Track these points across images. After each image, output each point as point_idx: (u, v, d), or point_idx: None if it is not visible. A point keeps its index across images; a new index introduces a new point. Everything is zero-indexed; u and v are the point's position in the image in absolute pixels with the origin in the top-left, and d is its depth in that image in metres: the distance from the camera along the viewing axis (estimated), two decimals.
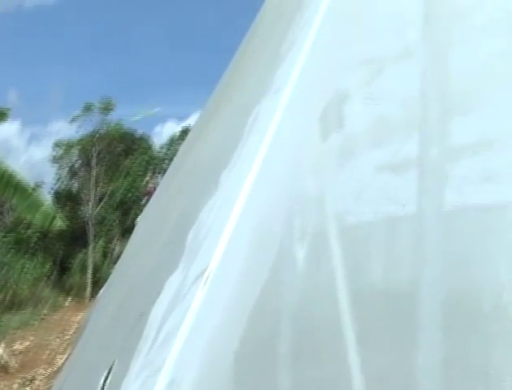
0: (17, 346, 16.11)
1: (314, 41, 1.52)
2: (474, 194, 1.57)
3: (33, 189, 16.80)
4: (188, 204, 1.67)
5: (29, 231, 24.12)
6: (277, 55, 1.58)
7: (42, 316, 19.77)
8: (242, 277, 1.23)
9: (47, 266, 24.14)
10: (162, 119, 62.47)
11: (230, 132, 1.62)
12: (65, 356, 14.37)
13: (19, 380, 14.02)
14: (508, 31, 1.59)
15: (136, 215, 23.59)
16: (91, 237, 25.61)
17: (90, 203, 25.78)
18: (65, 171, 27.94)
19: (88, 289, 24.13)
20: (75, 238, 25.88)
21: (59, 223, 16.80)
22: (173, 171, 2.52)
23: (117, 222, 27.12)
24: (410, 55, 1.63)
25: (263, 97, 1.47)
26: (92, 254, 25.40)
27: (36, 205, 15.75)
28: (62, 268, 25.53)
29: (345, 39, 1.63)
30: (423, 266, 1.43)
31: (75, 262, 25.79)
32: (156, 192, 2.78)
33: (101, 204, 26.24)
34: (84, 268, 25.21)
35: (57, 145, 27.43)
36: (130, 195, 27.28)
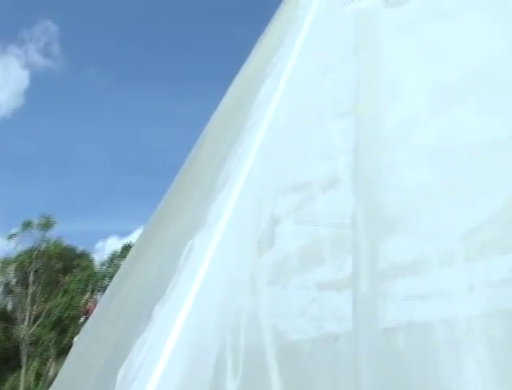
0: None
1: (250, 171, 1.58)
2: (413, 312, 1.60)
3: None
4: (121, 336, 1.63)
5: None
6: (213, 187, 1.63)
7: None
8: None
9: None
10: (105, 235, 61.81)
11: (165, 263, 1.63)
12: None
13: None
14: (431, 162, 1.69)
15: (74, 335, 22.68)
16: (24, 358, 24.33)
17: (25, 322, 24.72)
18: (0, 289, 26.96)
19: None
20: (7, 359, 24.55)
21: None
22: (111, 293, 2.47)
23: (53, 342, 25.98)
24: (340, 181, 1.71)
25: (199, 229, 1.50)
26: (24, 377, 24.03)
27: None
28: None
29: (279, 166, 1.70)
30: (363, 385, 1.42)
31: (6, 386, 24.30)
32: (94, 313, 2.69)
33: (37, 323, 25.20)
34: None
35: None
36: (68, 314, 26.36)
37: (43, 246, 26.11)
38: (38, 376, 25.24)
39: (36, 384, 24.66)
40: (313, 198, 1.69)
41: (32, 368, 25.11)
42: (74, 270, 27.89)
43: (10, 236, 26.10)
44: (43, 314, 25.49)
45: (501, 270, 1.47)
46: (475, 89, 1.80)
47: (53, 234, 26.64)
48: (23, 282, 25.66)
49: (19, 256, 26.06)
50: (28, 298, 24.89)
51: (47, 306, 25.65)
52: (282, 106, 1.76)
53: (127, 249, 26.25)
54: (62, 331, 26.14)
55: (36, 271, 25.41)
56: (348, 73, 1.93)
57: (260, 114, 1.75)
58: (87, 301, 25.21)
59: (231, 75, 2.40)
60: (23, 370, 24.12)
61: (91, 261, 29.97)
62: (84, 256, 29.61)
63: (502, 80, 1.76)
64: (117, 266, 23.72)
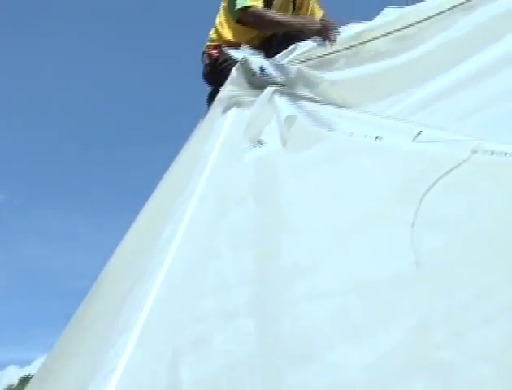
0: None
1: (148, 315, 1.57)
2: None
3: None
4: None
5: None
6: (110, 334, 1.60)
7: None
8: None
9: None
10: (3, 365, 57.76)
11: None
12: None
13: None
14: (330, 294, 1.72)
15: None
16: None
17: None
18: None
19: None
20: None
21: None
22: None
23: None
24: (240, 313, 1.70)
25: (94, 379, 1.46)
26: None
27: None
28: None
29: (179, 306, 1.69)
30: None
31: None
32: None
33: None
34: None
35: None
36: None
37: None
38: None
39: None
40: (212, 332, 1.68)
41: None
42: None
43: None
44: None
45: None
46: (367, 228, 1.89)
47: None
48: None
49: None
50: None
51: None
52: (182, 248, 1.80)
53: (26, 380, 24.48)
54: None
55: None
56: (248, 212, 2.00)
57: (160, 258, 1.77)
58: None
59: (137, 201, 2.44)
60: None
61: None
62: None
63: (390, 219, 1.88)
64: None
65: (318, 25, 2.72)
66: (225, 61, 2.91)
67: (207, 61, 3.12)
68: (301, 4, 3.24)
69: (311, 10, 3.30)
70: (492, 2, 2.51)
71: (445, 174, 1.88)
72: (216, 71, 3.01)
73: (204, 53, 3.18)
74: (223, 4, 3.19)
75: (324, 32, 2.63)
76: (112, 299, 1.90)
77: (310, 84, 2.60)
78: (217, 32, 3.17)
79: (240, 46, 2.88)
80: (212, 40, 3.18)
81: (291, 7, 3.18)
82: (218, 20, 3.21)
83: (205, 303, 1.72)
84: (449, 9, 2.57)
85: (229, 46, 2.96)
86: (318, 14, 3.28)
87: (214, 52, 3.08)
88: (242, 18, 2.97)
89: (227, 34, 3.11)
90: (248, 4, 2.90)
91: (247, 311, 1.70)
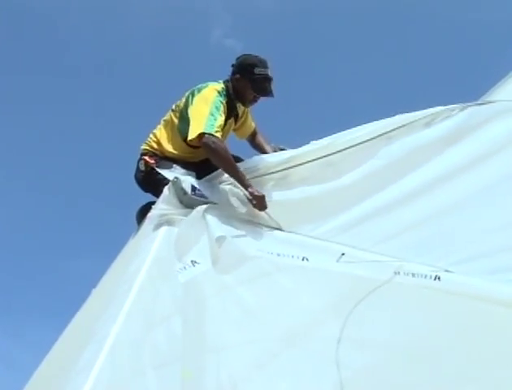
0: None
1: None
2: None
3: None
4: None
5: None
6: None
7: None
8: None
9: None
10: None
11: None
12: None
13: None
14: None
15: None
16: None
17: None
18: None
19: None
20: None
21: None
22: None
23: None
24: None
25: None
26: None
27: None
28: None
29: None
30: None
31: None
32: None
33: None
34: None
35: None
36: None
37: None
38: None
39: None
40: None
41: None
42: None
43: None
44: None
45: None
46: (291, 346, 1.89)
47: None
48: None
49: None
50: None
51: None
52: (105, 368, 1.78)
53: None
54: None
55: None
56: (173, 331, 1.99)
57: (82, 378, 1.75)
58: None
59: (64, 317, 2.37)
60: None
61: None
62: None
63: (315, 337, 1.90)
64: None
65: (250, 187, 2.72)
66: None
67: (143, 168, 3.10)
68: (241, 116, 3.36)
69: (249, 121, 3.42)
70: (409, 135, 2.69)
71: (368, 294, 1.93)
72: (152, 179, 3.02)
73: (141, 159, 3.16)
74: (176, 122, 3.15)
75: (254, 199, 2.69)
76: None
77: (240, 204, 2.69)
78: (159, 143, 3.16)
79: (179, 160, 3.01)
80: (152, 148, 3.17)
81: (234, 122, 3.26)
82: (164, 132, 3.20)
83: None
84: (372, 138, 2.74)
85: (169, 159, 3.05)
86: (251, 126, 3.43)
87: (152, 161, 3.07)
88: (199, 139, 2.85)
89: (171, 148, 3.11)
90: (213, 132, 2.83)
91: None
